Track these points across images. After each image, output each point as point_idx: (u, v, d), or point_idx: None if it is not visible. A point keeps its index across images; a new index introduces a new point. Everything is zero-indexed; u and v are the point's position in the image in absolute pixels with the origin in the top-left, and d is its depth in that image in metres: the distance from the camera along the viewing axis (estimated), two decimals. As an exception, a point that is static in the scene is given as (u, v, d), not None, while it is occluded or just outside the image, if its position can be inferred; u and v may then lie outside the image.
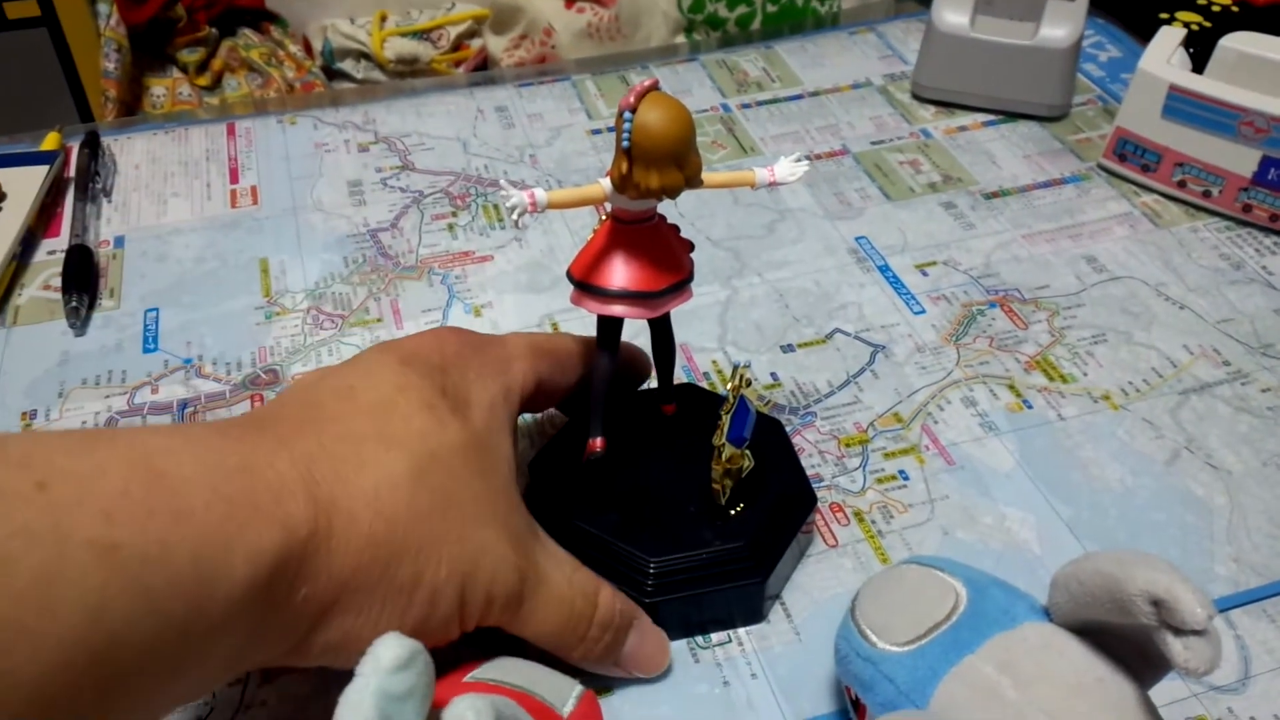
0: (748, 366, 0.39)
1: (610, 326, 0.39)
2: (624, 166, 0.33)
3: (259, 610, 0.27)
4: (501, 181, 0.34)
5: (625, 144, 0.32)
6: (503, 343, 0.39)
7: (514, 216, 0.34)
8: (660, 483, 0.42)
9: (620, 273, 0.37)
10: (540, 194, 0.34)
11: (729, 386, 0.39)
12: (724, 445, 0.38)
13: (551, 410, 0.47)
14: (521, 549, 0.33)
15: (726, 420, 0.38)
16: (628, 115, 0.32)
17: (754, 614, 0.41)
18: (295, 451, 0.30)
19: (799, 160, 0.38)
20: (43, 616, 0.23)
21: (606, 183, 0.34)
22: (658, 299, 0.37)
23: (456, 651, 0.33)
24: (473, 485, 0.32)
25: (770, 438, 0.44)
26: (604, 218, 0.37)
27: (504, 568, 0.32)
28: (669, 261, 0.37)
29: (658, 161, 0.33)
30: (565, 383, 0.40)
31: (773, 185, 0.38)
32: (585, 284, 0.37)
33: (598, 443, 0.39)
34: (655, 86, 0.33)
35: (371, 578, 0.29)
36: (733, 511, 0.40)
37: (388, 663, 0.26)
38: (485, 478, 0.33)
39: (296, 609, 0.28)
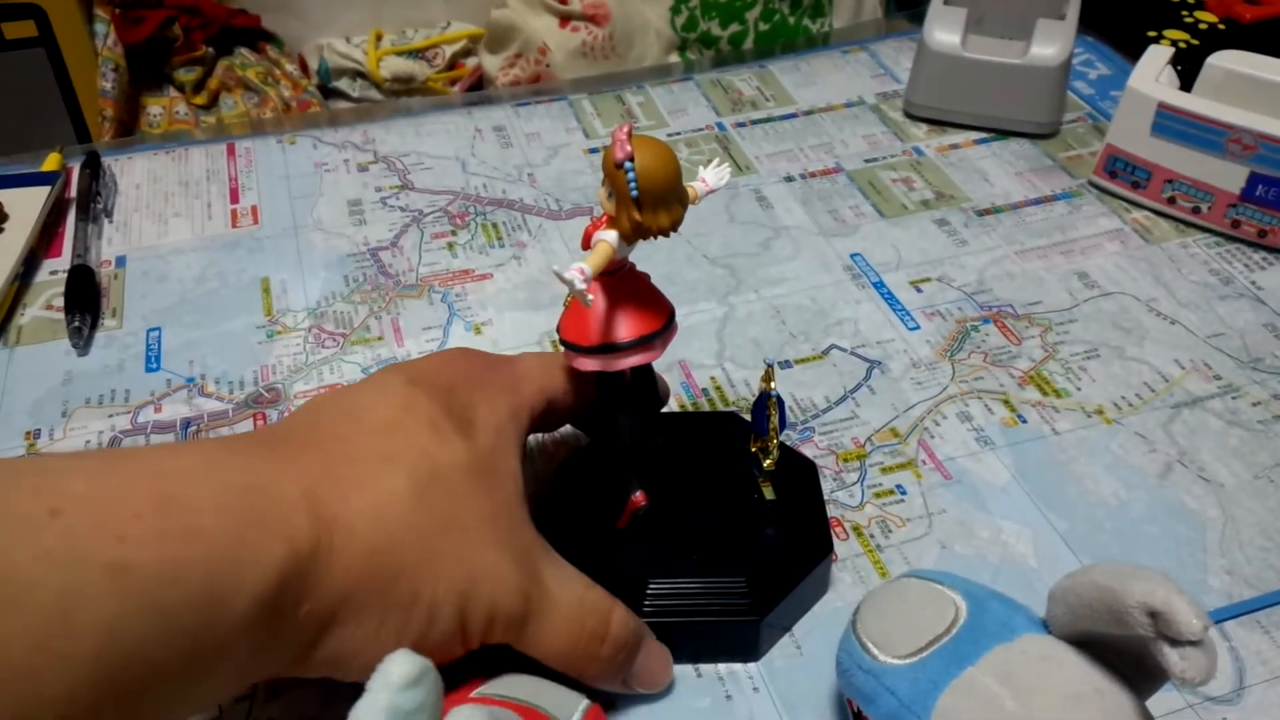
0: (773, 365, 0.40)
1: (619, 382, 0.39)
2: (635, 214, 0.33)
3: (265, 624, 0.28)
4: (554, 269, 0.33)
5: (634, 193, 0.33)
6: (513, 364, 0.39)
7: (583, 292, 0.33)
8: (673, 508, 0.42)
9: (625, 323, 0.36)
10: (586, 268, 0.33)
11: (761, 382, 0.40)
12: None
13: (566, 427, 0.47)
14: (526, 569, 0.33)
15: (774, 415, 0.39)
16: (628, 165, 0.32)
17: (748, 651, 0.40)
18: (300, 469, 0.30)
19: (721, 164, 0.38)
20: (65, 638, 0.24)
21: (611, 235, 0.34)
22: (662, 337, 0.37)
23: (465, 668, 0.33)
24: (475, 504, 0.33)
25: (800, 478, 0.43)
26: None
27: (506, 588, 0.33)
28: (655, 299, 0.38)
29: (664, 200, 0.33)
30: (578, 402, 0.41)
31: (709, 192, 0.37)
32: (601, 346, 0.37)
33: (639, 497, 0.40)
34: (632, 129, 0.33)
35: (370, 593, 0.30)
36: (756, 495, 0.41)
37: (398, 679, 0.26)
38: (489, 497, 0.33)
39: (299, 622, 0.29)
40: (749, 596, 0.39)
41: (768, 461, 0.41)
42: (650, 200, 0.33)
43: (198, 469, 0.29)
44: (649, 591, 0.39)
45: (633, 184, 0.32)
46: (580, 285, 0.32)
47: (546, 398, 0.39)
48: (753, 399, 0.43)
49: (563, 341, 0.37)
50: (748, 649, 0.40)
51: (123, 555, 0.25)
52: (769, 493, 0.42)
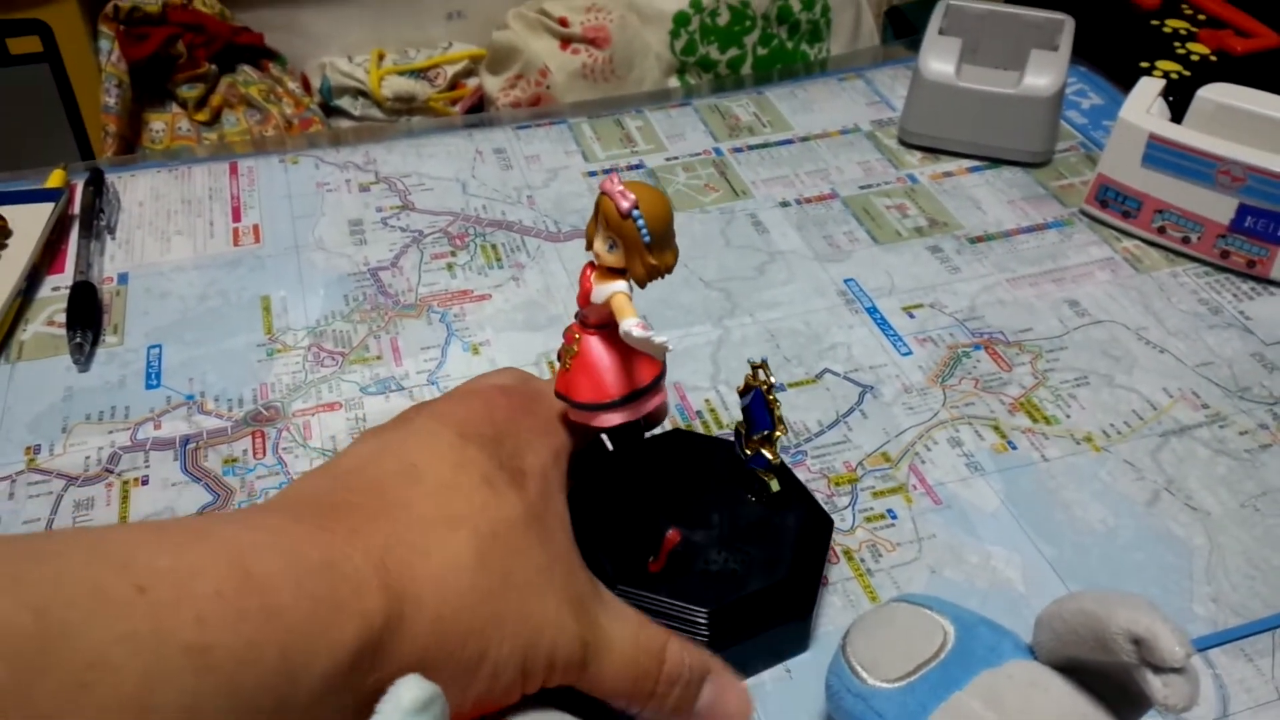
0: (764, 363, 0.40)
1: (639, 429, 0.39)
2: (650, 259, 0.34)
3: (335, 698, 0.28)
4: (634, 334, 0.33)
5: (647, 239, 0.33)
6: (544, 397, 0.39)
7: (664, 343, 0.34)
8: (685, 531, 0.42)
9: (639, 369, 0.37)
10: (635, 320, 0.33)
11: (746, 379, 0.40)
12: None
13: None
14: (583, 615, 0.34)
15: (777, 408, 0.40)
16: (636, 213, 0.33)
17: (802, 643, 0.42)
18: (369, 543, 0.30)
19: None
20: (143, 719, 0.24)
21: (624, 285, 0.34)
22: (663, 377, 0.38)
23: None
24: (533, 557, 0.33)
25: (811, 531, 0.43)
26: (576, 342, 0.37)
27: (565, 637, 0.33)
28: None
29: (668, 240, 0.34)
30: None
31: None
32: (626, 397, 0.36)
33: (674, 534, 0.40)
34: (619, 178, 0.34)
35: (438, 659, 0.30)
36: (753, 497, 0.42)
37: (408, 704, 0.27)
38: (544, 548, 0.34)
39: (369, 692, 0.29)
40: (708, 629, 0.39)
41: (771, 456, 0.41)
42: (658, 242, 0.33)
43: (274, 545, 0.29)
44: (704, 622, 0.39)
45: (644, 230, 0.33)
46: (660, 338, 0.33)
47: (582, 433, 0.39)
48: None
49: (579, 405, 0.37)
50: (800, 642, 0.41)
51: (204, 637, 0.25)
52: (774, 485, 0.42)
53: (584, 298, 0.36)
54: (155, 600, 0.25)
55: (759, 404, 0.41)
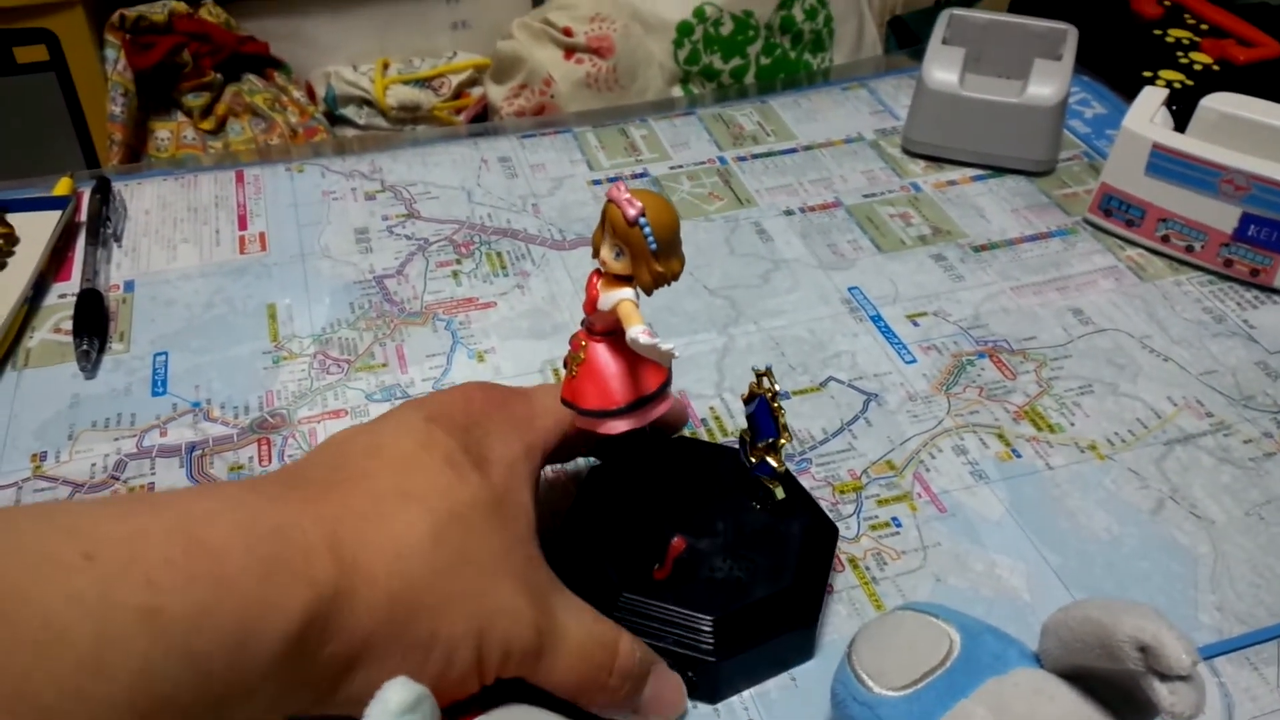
0: (769, 370, 0.41)
1: (644, 436, 0.38)
2: (656, 266, 0.34)
3: (289, 666, 0.28)
4: (641, 342, 0.33)
5: (653, 247, 0.33)
6: (529, 399, 0.40)
7: (670, 351, 0.34)
8: (690, 538, 0.42)
9: (645, 376, 0.37)
10: (641, 328, 0.34)
11: (751, 386, 0.40)
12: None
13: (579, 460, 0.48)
14: (539, 604, 0.34)
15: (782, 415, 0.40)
16: (643, 221, 0.33)
17: (707, 692, 0.40)
18: (323, 511, 0.31)
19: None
20: (97, 682, 0.24)
21: (630, 293, 0.34)
22: (669, 384, 0.38)
23: (465, 700, 0.34)
24: (490, 542, 0.33)
25: (817, 539, 0.43)
26: (581, 352, 0.37)
27: (520, 624, 0.33)
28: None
29: (674, 247, 0.34)
30: (593, 435, 0.41)
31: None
32: (633, 404, 0.36)
33: (679, 542, 0.41)
34: (623, 186, 0.34)
35: (391, 634, 0.30)
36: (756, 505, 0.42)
37: (395, 706, 0.27)
38: (503, 534, 0.34)
39: (322, 664, 0.29)
40: (713, 637, 0.39)
41: (776, 463, 0.41)
42: (664, 250, 0.34)
43: (226, 513, 0.29)
44: (709, 630, 0.39)
45: (650, 238, 0.33)
46: (667, 345, 0.33)
47: (561, 432, 0.39)
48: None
49: (585, 412, 0.37)
50: (708, 691, 0.40)
51: (154, 600, 0.26)
52: (780, 492, 0.42)
53: (590, 305, 0.36)
54: (104, 564, 0.26)
55: (764, 411, 0.41)
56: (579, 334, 0.37)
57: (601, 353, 0.36)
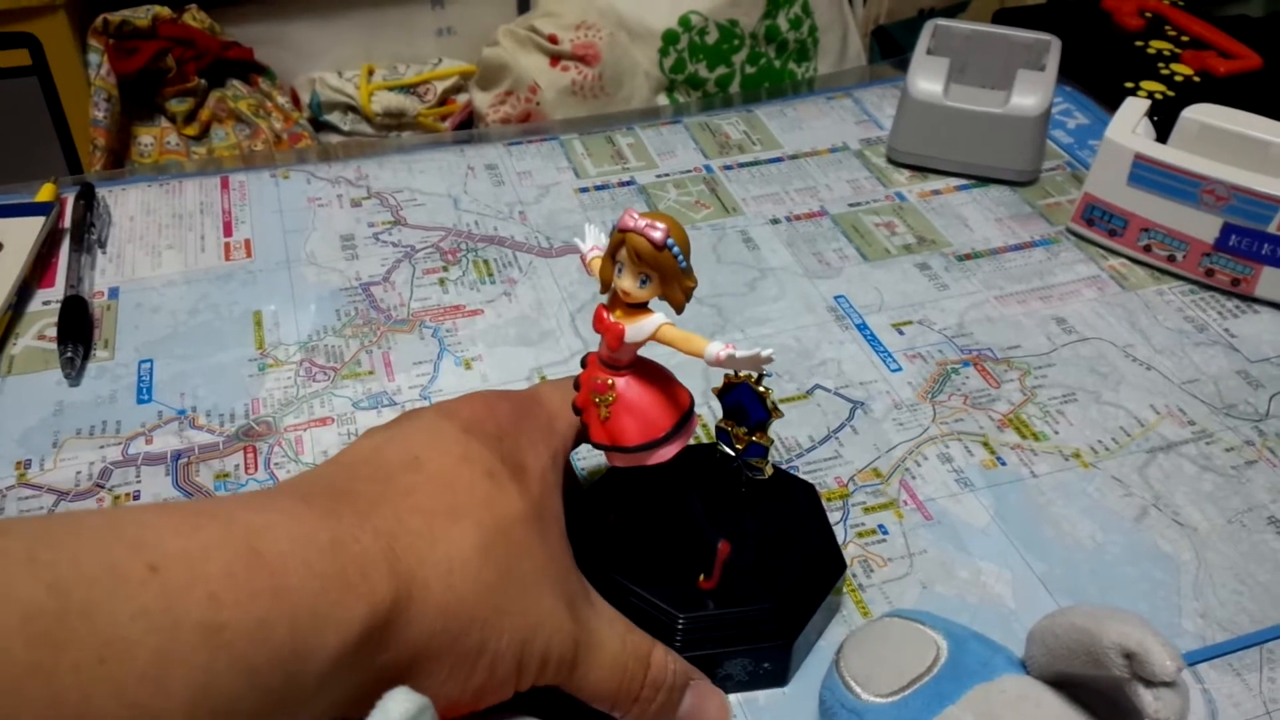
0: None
1: (680, 458, 0.38)
2: (689, 283, 0.34)
3: (345, 677, 0.29)
4: (724, 354, 0.33)
5: (684, 264, 0.33)
6: (541, 401, 0.40)
7: (769, 355, 0.34)
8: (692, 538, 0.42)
9: (679, 393, 0.37)
10: (721, 344, 0.34)
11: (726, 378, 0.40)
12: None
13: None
14: (576, 614, 0.35)
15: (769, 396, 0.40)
16: (671, 243, 0.33)
17: (778, 676, 0.41)
18: (376, 526, 0.31)
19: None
20: (158, 696, 0.24)
21: (663, 317, 0.34)
22: (692, 406, 0.38)
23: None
24: (533, 554, 0.34)
25: (802, 500, 0.44)
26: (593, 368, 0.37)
27: (559, 634, 0.34)
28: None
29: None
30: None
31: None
32: (677, 426, 0.36)
33: (725, 546, 0.40)
34: (634, 213, 0.34)
35: (441, 646, 0.31)
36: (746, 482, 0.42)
37: (397, 716, 0.27)
38: (544, 545, 0.34)
39: (376, 674, 0.30)
40: (775, 620, 0.40)
41: (765, 441, 0.41)
42: (689, 265, 0.34)
43: (283, 526, 0.29)
44: (678, 627, 0.40)
45: (681, 258, 0.33)
46: (754, 350, 0.33)
47: (574, 433, 0.40)
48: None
49: (633, 449, 0.36)
50: (776, 675, 0.41)
51: (216, 615, 0.26)
52: (769, 470, 0.42)
53: (615, 341, 0.35)
54: (168, 579, 0.26)
55: (749, 396, 0.41)
56: (593, 373, 0.36)
57: (632, 386, 0.36)
